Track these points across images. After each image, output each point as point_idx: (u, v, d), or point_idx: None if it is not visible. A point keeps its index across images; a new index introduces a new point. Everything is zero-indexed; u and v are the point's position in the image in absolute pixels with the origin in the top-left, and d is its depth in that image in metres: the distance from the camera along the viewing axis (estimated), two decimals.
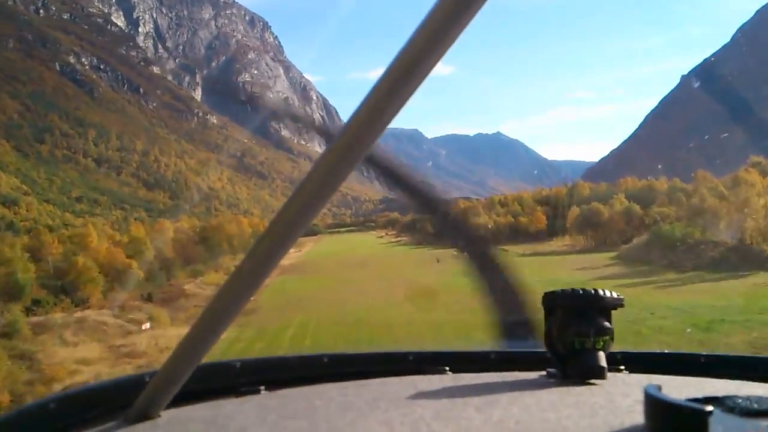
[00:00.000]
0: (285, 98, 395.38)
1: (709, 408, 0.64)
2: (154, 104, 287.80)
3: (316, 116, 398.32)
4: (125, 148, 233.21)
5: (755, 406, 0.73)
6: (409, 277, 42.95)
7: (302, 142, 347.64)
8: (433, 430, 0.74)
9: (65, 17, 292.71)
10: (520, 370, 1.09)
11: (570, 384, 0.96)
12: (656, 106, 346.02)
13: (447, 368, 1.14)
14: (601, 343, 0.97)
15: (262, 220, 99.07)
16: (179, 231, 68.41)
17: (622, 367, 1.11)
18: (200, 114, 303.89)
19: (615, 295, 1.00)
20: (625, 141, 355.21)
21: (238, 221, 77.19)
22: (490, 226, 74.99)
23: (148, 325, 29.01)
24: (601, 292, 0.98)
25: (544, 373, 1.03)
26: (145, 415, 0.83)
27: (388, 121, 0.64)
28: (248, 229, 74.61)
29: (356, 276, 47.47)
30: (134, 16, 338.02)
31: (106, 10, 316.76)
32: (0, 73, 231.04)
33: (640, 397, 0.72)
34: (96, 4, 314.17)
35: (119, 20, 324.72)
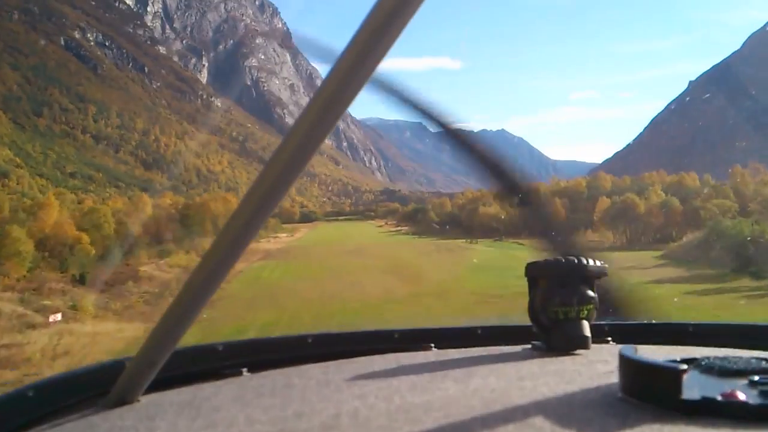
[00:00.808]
0: (290, 85, 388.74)
1: (683, 366, 0.64)
2: (158, 84, 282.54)
3: None
4: (125, 126, 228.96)
5: (734, 366, 0.72)
6: (413, 268, 36.29)
7: None
8: (407, 400, 0.74)
9: None
10: (506, 344, 1.08)
11: (553, 355, 0.95)
12: (663, 110, 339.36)
13: (432, 345, 1.13)
14: (585, 312, 0.96)
15: None
16: (159, 207, 61.30)
17: (609, 339, 1.10)
18: (204, 96, 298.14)
19: (599, 263, 0.98)
20: (629, 144, 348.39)
21: (226, 200, 66.96)
22: (502, 217, 68.78)
23: (59, 316, 21.52)
24: (584, 261, 0.96)
25: (528, 346, 1.02)
26: (124, 400, 0.82)
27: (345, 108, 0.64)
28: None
29: (349, 266, 40.88)
30: None
31: None
32: (2, 44, 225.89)
33: None
34: None
35: None
